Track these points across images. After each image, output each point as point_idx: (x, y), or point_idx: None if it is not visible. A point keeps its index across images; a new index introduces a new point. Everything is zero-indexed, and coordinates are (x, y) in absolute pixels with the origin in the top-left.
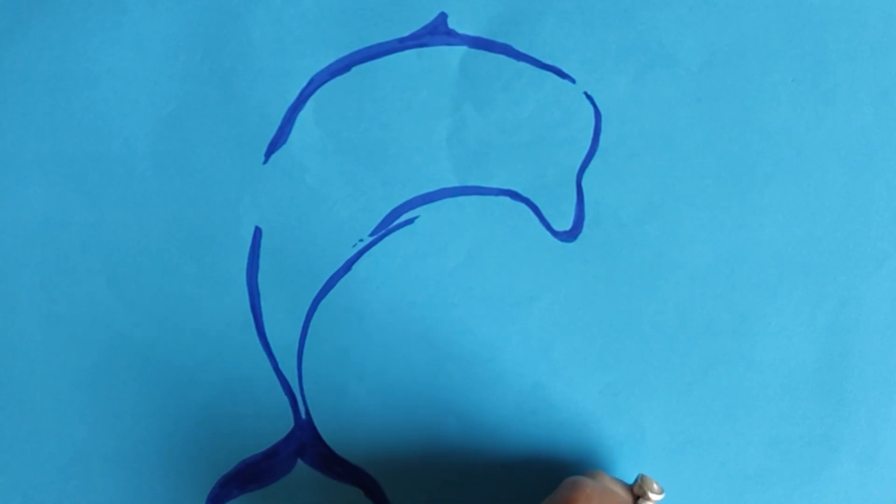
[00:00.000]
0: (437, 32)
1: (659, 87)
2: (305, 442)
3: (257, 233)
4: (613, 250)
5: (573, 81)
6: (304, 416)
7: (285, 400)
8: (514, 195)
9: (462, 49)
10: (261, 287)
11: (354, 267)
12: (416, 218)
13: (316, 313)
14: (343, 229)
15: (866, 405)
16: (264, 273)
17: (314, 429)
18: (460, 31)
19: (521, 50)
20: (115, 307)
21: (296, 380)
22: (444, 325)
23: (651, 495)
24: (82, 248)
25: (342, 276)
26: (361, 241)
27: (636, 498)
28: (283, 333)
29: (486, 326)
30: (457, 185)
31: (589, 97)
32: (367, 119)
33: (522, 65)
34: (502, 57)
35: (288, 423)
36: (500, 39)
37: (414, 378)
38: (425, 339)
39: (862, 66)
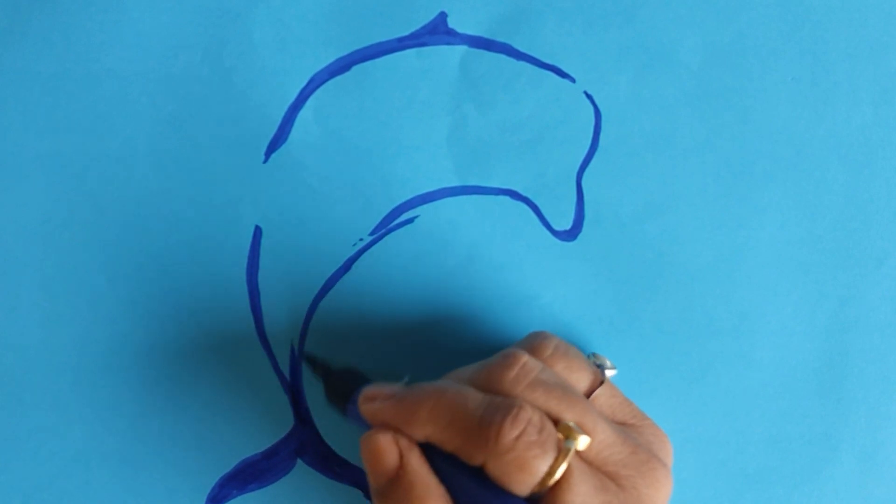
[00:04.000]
0: (437, 32)
1: (659, 87)
2: (305, 441)
3: (257, 232)
4: (613, 250)
5: (573, 81)
6: (304, 415)
7: (285, 399)
8: (514, 195)
9: (462, 48)
10: (261, 286)
11: (354, 266)
12: (416, 217)
13: (316, 313)
14: (343, 228)
15: (866, 404)
16: (264, 272)
17: (314, 428)
18: (460, 30)
19: (521, 49)
20: (115, 307)
21: (296, 379)
22: (444, 324)
23: (606, 371)
24: (82, 248)
25: (342, 276)
26: (361, 240)
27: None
28: (283, 333)
29: (486, 326)
30: (457, 184)
31: (589, 96)
32: (367, 118)
33: (522, 64)
34: (502, 56)
35: (288, 423)
36: (500, 39)
37: (414, 377)
38: (425, 338)
39: (862, 66)
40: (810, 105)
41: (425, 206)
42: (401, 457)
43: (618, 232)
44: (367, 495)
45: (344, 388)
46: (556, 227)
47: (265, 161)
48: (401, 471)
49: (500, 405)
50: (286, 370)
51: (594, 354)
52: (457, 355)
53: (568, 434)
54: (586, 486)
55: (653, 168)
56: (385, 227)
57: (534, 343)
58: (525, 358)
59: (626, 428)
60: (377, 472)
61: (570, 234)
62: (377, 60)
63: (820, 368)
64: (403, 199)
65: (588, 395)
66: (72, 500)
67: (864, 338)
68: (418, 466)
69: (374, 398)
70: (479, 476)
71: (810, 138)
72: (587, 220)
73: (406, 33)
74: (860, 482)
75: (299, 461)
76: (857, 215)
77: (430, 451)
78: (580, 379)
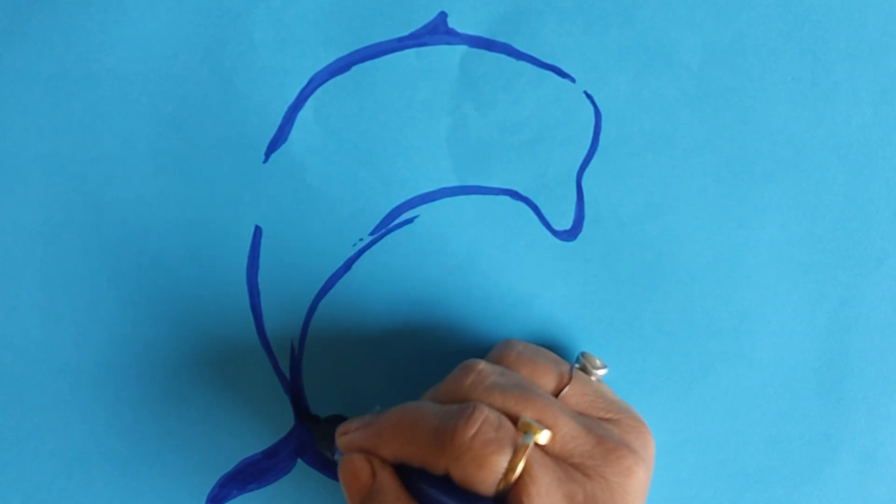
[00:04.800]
0: (437, 32)
1: (659, 87)
2: (305, 441)
3: (257, 232)
4: (613, 249)
5: (573, 81)
6: (304, 415)
7: (285, 399)
8: (514, 195)
9: (462, 48)
10: (261, 287)
11: (354, 266)
12: (415, 217)
13: (316, 313)
14: (343, 229)
15: (866, 404)
16: (264, 272)
17: None
18: (460, 30)
19: (521, 49)
20: (115, 307)
21: (296, 379)
22: (444, 324)
23: (594, 371)
24: (82, 248)
25: (342, 276)
26: (361, 240)
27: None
28: (283, 333)
29: (486, 326)
30: (457, 184)
31: (589, 96)
32: (367, 118)
33: (522, 64)
34: (502, 56)
35: (288, 423)
36: (500, 39)
37: (414, 377)
38: (425, 338)
39: (862, 66)
40: (810, 105)
41: (425, 206)
42: (373, 475)
43: (618, 232)
44: None
45: (331, 433)
46: (556, 227)
47: (265, 161)
48: (373, 487)
49: (455, 410)
50: (286, 370)
51: (583, 354)
52: (456, 355)
53: (527, 430)
54: (549, 478)
55: (653, 168)
56: (385, 227)
57: (499, 352)
58: (481, 365)
59: (599, 421)
60: (352, 490)
61: (570, 234)
62: (377, 60)
63: (820, 368)
64: (403, 199)
65: (556, 394)
66: (72, 500)
67: (864, 338)
68: (389, 482)
69: (347, 431)
70: (448, 485)
71: (810, 138)
72: (587, 220)
73: (406, 33)
74: (860, 482)
75: (299, 461)
76: (857, 215)
77: (406, 473)
78: (547, 380)
